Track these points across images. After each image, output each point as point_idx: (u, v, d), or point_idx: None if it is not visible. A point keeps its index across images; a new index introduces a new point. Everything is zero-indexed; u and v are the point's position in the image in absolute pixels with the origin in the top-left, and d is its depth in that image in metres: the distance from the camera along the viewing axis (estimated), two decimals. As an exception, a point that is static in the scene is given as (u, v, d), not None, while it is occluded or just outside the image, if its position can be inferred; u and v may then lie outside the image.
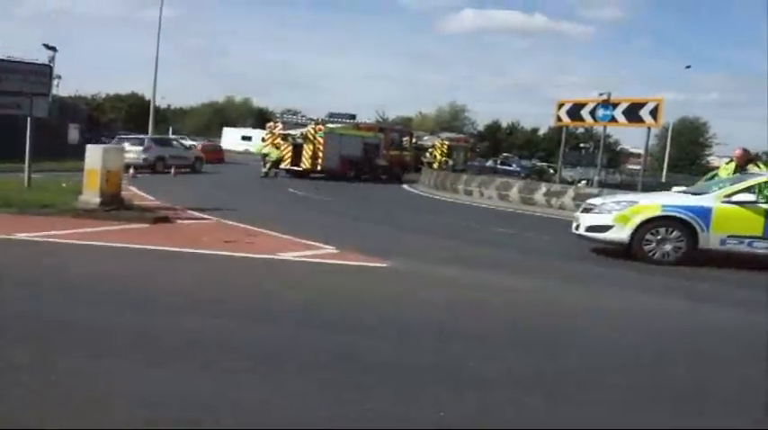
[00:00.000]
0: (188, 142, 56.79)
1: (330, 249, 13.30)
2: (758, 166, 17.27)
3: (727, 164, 18.00)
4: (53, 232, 13.18)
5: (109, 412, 5.18)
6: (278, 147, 43.37)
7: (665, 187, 28.57)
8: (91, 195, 16.22)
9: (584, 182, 41.60)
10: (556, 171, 45.67)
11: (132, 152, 37.19)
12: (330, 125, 45.11)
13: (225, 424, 5.09)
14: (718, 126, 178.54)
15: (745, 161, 17.36)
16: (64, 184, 21.04)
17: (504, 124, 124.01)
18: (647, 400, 6.19)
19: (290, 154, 43.52)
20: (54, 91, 43.60)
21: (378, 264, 12.02)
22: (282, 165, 43.52)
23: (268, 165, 42.30)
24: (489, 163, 69.30)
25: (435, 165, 53.92)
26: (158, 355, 6.49)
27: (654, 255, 14.32)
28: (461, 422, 5.45)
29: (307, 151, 42.84)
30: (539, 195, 31.77)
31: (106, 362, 6.21)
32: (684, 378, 6.88)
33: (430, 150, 60.25)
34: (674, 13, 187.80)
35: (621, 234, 14.58)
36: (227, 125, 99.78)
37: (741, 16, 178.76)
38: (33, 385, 5.53)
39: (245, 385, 5.85)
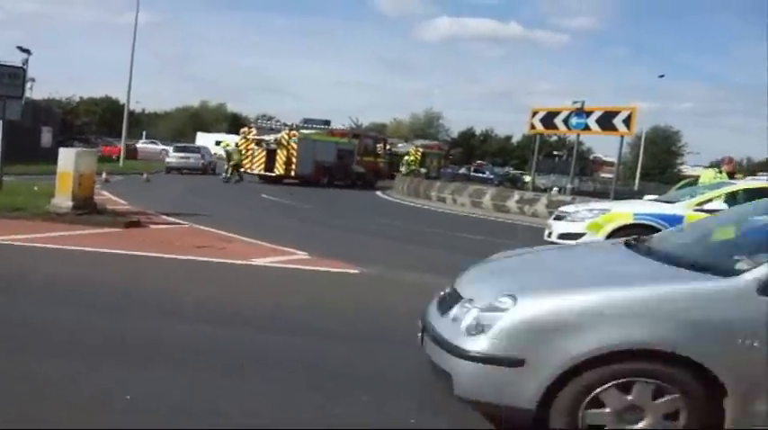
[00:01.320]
0: (159, 147, 61.13)
1: (302, 255, 13.27)
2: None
3: (720, 172, 17.98)
4: (24, 236, 13.08)
5: (94, 414, 5.22)
6: (241, 152, 43.33)
7: (638, 195, 28.70)
8: (63, 199, 16.11)
9: (556, 189, 41.69)
10: (525, 182, 45.85)
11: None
12: (304, 131, 45.11)
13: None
14: (690, 135, 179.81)
15: (734, 170, 17.56)
16: (36, 188, 20.90)
17: (477, 131, 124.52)
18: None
19: (262, 158, 43.48)
20: (27, 94, 43.42)
21: (350, 271, 12.02)
22: (256, 171, 43.46)
23: (229, 170, 42.32)
24: (463, 170, 69.45)
25: (404, 170, 53.77)
26: (133, 359, 6.46)
27: (625, 262, 14.31)
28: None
29: (280, 157, 42.77)
30: (512, 202, 31.84)
31: (81, 365, 6.19)
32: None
33: (410, 158, 60.40)
34: (648, 23, 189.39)
35: (593, 242, 14.60)
36: (201, 130, 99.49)
37: (714, 27, 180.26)
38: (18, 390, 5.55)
39: (220, 389, 5.84)
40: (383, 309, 9.63)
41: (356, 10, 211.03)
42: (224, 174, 42.62)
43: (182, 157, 50.80)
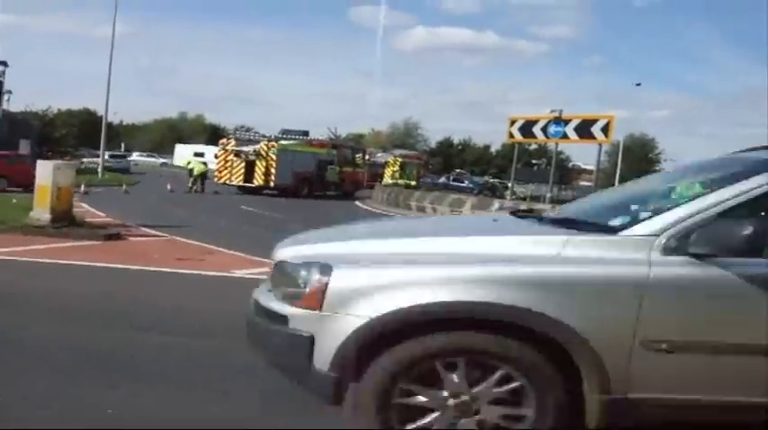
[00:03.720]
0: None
1: (283, 266, 13.20)
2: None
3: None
4: (2, 249, 13.00)
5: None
6: (203, 163, 43.47)
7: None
8: (41, 212, 16.04)
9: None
10: (507, 188, 45.97)
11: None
12: (283, 142, 45.02)
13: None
14: (666, 142, 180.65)
15: None
16: (14, 200, 20.83)
17: (456, 140, 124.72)
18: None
19: (241, 170, 43.48)
20: (4, 106, 43.29)
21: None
22: (235, 182, 43.54)
23: (191, 180, 42.24)
24: (442, 179, 69.54)
25: (389, 181, 53.70)
26: (114, 373, 6.41)
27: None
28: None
29: (259, 168, 42.78)
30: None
31: (60, 380, 6.14)
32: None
33: (399, 169, 60.33)
34: (624, 32, 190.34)
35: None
36: (180, 141, 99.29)
37: (690, 36, 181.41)
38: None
39: (201, 402, 5.83)
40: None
41: (333, 21, 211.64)
42: (188, 184, 42.33)
43: (116, 161, 67.56)
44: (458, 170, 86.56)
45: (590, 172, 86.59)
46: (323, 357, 4.54)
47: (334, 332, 4.52)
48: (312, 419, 5.65)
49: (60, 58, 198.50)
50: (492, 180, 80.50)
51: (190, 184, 41.96)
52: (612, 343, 4.41)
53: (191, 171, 43.52)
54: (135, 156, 79.85)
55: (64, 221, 16.17)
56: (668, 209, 4.74)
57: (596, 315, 4.41)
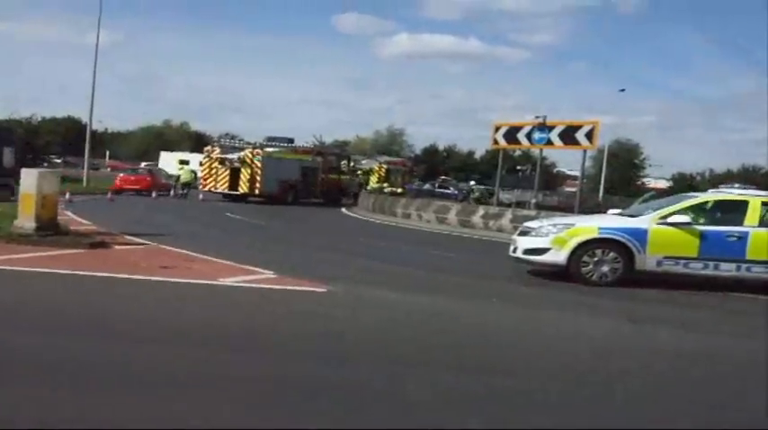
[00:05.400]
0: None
1: (268, 274, 13.20)
2: None
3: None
4: (-14, 259, 12.95)
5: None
6: (191, 172, 44.17)
7: (602, 209, 28.90)
8: (26, 220, 15.95)
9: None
10: (491, 194, 45.97)
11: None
12: (268, 149, 45.05)
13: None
14: (651, 148, 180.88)
15: None
16: (-2, 209, 20.71)
17: (441, 147, 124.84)
18: (585, 419, 6.24)
19: (226, 177, 43.58)
20: (-12, 114, 43.21)
21: (316, 289, 11.93)
22: (220, 189, 43.55)
23: (180, 186, 43.19)
24: (427, 186, 69.49)
25: (374, 188, 53.66)
26: (101, 384, 6.38)
27: (591, 276, 14.42)
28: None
29: (244, 175, 42.79)
30: (476, 218, 31.93)
31: (47, 391, 6.11)
32: (621, 397, 6.93)
33: (384, 175, 60.22)
34: (607, 38, 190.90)
35: (558, 256, 14.66)
36: (165, 149, 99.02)
37: (674, 42, 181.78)
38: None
39: (191, 411, 5.81)
40: (351, 327, 9.61)
41: (317, 28, 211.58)
42: (180, 192, 43.05)
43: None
44: (442, 177, 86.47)
45: (575, 178, 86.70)
46: None
47: None
48: (312, 420, 5.68)
49: (44, 66, 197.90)
50: (477, 186, 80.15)
51: (181, 191, 42.67)
52: None
53: (177, 178, 44.16)
54: (142, 166, 79.36)
55: (49, 230, 16.06)
56: None
57: None
